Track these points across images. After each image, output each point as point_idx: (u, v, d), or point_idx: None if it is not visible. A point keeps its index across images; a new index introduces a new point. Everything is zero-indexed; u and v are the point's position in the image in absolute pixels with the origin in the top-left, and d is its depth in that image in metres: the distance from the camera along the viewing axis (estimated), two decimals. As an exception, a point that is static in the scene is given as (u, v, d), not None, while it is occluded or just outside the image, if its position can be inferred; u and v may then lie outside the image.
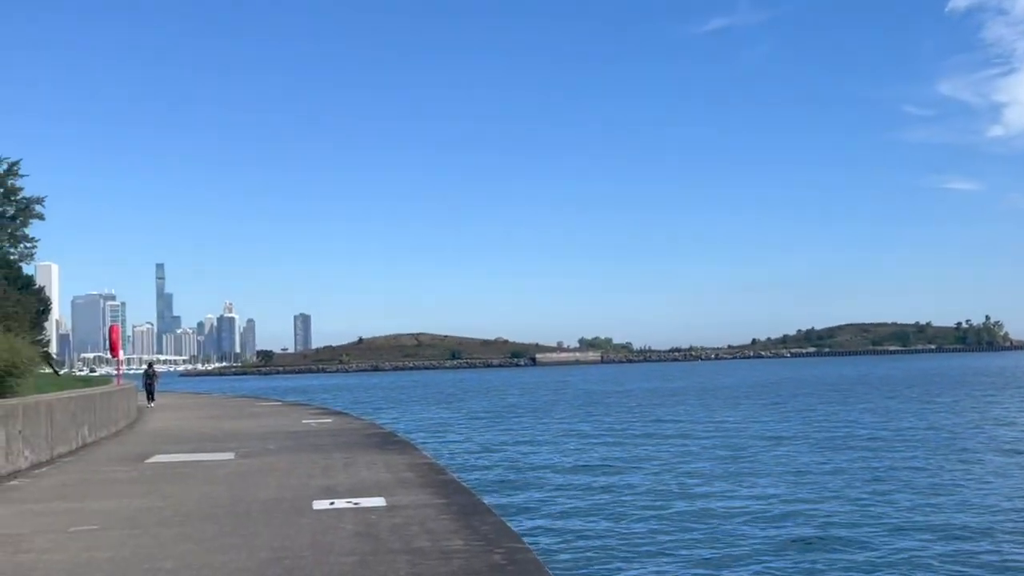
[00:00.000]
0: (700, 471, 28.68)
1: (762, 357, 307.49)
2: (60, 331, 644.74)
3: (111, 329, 33.92)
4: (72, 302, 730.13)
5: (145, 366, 45.09)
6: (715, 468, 29.29)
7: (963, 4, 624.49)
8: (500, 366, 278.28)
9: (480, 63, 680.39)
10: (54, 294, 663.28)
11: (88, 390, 23.51)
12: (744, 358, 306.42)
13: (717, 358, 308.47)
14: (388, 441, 22.02)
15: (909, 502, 22.25)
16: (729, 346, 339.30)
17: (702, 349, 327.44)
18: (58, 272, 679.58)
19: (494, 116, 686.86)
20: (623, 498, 23.88)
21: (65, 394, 20.13)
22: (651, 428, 45.24)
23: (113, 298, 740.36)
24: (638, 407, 63.30)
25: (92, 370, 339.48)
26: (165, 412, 37.26)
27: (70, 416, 19.71)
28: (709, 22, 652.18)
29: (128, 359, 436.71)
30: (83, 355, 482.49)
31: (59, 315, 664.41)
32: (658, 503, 23.00)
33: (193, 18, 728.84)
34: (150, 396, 41.59)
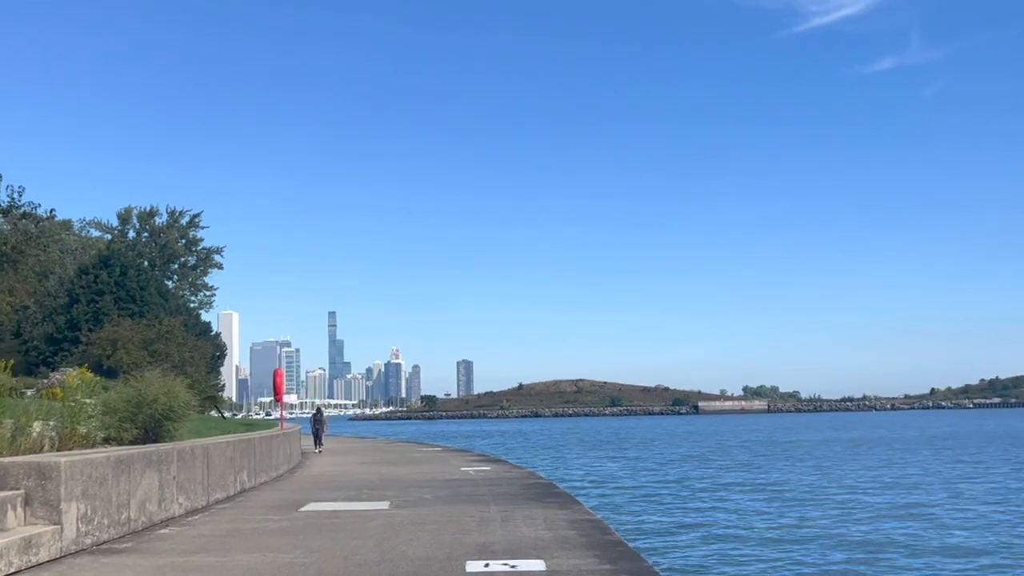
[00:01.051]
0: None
1: (942, 407, 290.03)
2: (239, 376, 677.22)
3: (275, 373, 34.20)
4: (251, 348, 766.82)
5: (313, 411, 44.98)
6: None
7: None
8: (661, 413, 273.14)
9: (649, 111, 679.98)
10: (234, 341, 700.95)
11: (248, 435, 23.41)
12: (922, 408, 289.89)
13: (893, 408, 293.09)
14: (548, 493, 20.85)
15: None
16: (906, 395, 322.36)
17: (876, 399, 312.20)
18: (238, 320, 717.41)
19: (654, 168, 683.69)
20: (813, 559, 21.84)
21: (223, 439, 19.93)
22: (832, 479, 42.31)
23: (288, 344, 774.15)
24: (814, 457, 59.81)
25: (268, 414, 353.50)
26: (328, 457, 37.34)
27: (228, 461, 19.48)
28: (880, 61, 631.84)
29: (301, 403, 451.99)
30: (260, 399, 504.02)
31: (239, 361, 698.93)
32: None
33: (357, 86, 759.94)
34: (317, 441, 41.27)
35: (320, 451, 39.10)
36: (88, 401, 14.79)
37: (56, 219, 55.42)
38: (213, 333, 78.46)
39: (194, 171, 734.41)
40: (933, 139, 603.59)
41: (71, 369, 49.34)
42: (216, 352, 77.30)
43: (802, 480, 43.87)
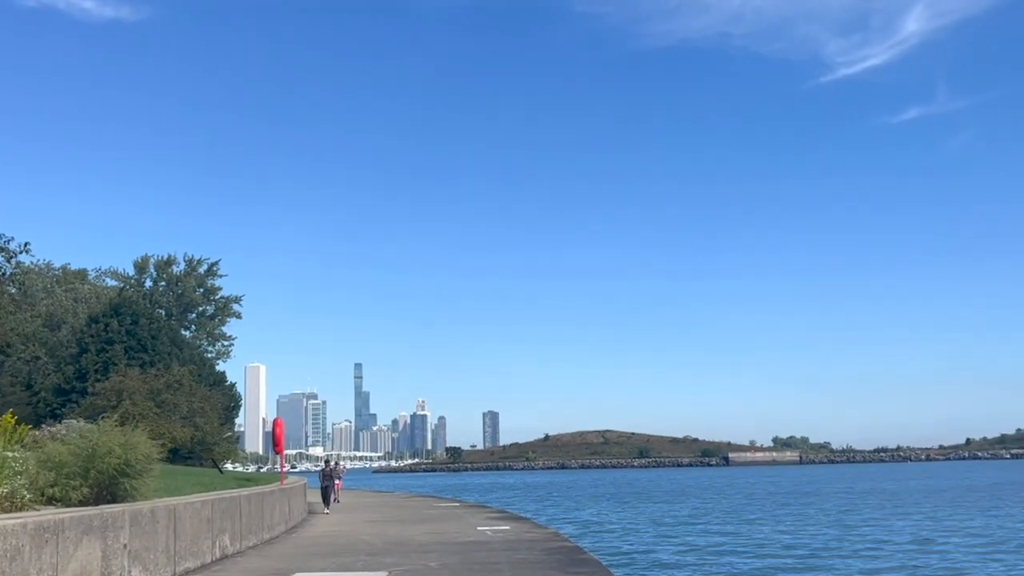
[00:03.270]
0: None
1: (978, 458, 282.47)
2: (265, 429, 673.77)
3: (275, 423, 31.41)
4: (277, 401, 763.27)
5: (322, 464, 39.98)
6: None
7: None
8: (690, 465, 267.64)
9: (672, 164, 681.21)
10: (261, 393, 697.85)
11: (233, 491, 20.87)
12: (958, 459, 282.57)
13: (928, 458, 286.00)
14: (572, 560, 18.14)
15: None
16: (940, 446, 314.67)
17: (910, 449, 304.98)
18: (265, 373, 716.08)
19: (682, 221, 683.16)
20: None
21: (198, 497, 17.42)
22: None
23: (315, 397, 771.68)
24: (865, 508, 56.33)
25: (293, 466, 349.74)
26: (336, 514, 34.71)
27: (204, 523, 16.96)
28: (906, 111, 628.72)
29: (327, 456, 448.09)
30: (285, 452, 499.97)
31: (265, 413, 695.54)
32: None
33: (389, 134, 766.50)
34: (326, 500, 36.34)
35: (328, 512, 35.30)
36: (11, 455, 12.41)
37: (45, 263, 53.34)
38: (228, 384, 76.23)
39: (219, 223, 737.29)
40: (960, 188, 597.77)
41: (74, 420, 47.11)
42: (231, 403, 75.07)
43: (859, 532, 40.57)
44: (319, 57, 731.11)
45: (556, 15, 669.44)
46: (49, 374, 68.97)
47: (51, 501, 13.63)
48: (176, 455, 56.30)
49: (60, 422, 47.68)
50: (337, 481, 42.38)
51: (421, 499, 51.54)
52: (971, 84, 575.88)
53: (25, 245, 44.38)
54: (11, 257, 42.82)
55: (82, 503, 13.99)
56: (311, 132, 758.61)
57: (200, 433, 53.36)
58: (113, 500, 14.46)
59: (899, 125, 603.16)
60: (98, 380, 56.48)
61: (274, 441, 30.78)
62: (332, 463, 44.02)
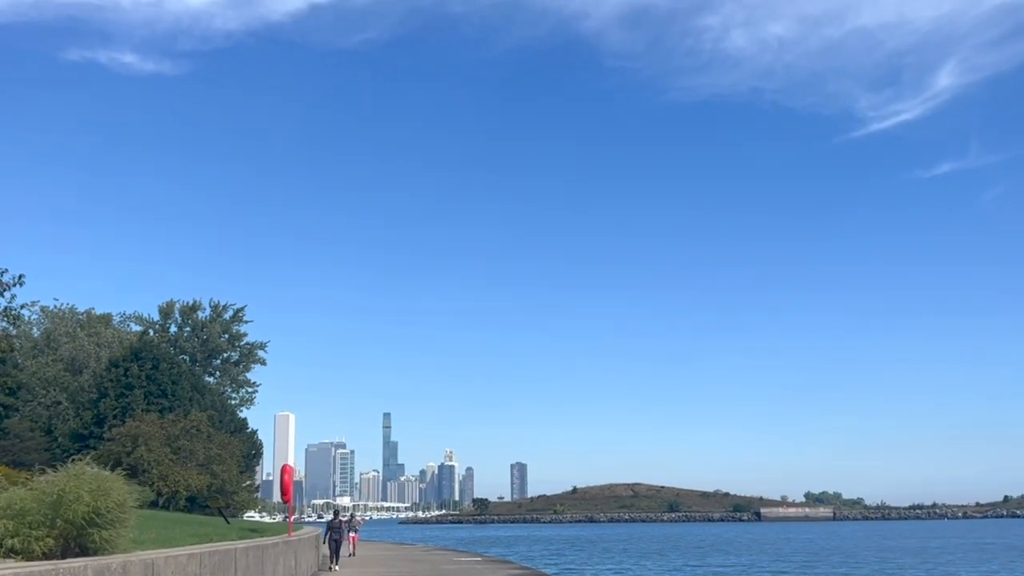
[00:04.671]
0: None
1: (1017, 516, 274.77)
2: (294, 478, 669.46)
3: (283, 470, 29.88)
4: (306, 449, 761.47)
5: (330, 515, 37.92)
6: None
7: None
8: (721, 520, 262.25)
9: (703, 223, 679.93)
10: (290, 442, 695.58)
11: (228, 544, 19.47)
12: (996, 516, 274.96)
13: (965, 516, 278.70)
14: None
15: None
16: (978, 503, 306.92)
17: (946, 506, 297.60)
18: (294, 421, 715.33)
19: (715, 275, 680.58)
20: None
21: (183, 550, 16.02)
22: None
23: (344, 446, 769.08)
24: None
25: (320, 516, 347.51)
26: (348, 568, 33.18)
27: (189, 580, 15.54)
28: (939, 166, 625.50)
29: (355, 506, 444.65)
30: (313, 501, 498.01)
31: (293, 461, 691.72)
32: None
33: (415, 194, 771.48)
34: (334, 556, 34.10)
35: (337, 568, 33.29)
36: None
37: (69, 308, 52.45)
38: (249, 430, 75.06)
39: (251, 273, 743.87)
40: (994, 243, 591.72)
41: (87, 467, 46.03)
42: (251, 451, 73.87)
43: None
44: (351, 114, 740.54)
45: (586, 69, 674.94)
46: (68, 419, 68.25)
47: (11, 553, 12.34)
48: (193, 503, 55.05)
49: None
50: (352, 534, 40.81)
51: (442, 552, 49.83)
52: (1003, 139, 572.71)
53: (19, 277, 43.06)
54: (4, 290, 41.62)
55: (47, 556, 12.69)
56: (342, 184, 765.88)
57: (218, 481, 52.17)
58: (83, 553, 13.15)
59: (931, 180, 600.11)
60: (114, 425, 55.55)
61: (281, 489, 29.18)
62: (349, 514, 42.55)
